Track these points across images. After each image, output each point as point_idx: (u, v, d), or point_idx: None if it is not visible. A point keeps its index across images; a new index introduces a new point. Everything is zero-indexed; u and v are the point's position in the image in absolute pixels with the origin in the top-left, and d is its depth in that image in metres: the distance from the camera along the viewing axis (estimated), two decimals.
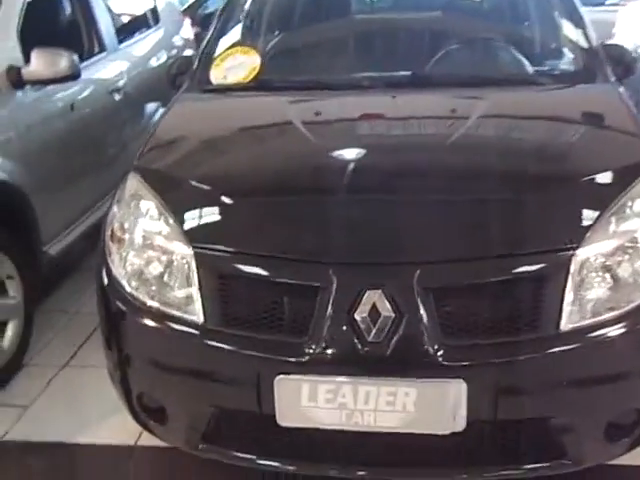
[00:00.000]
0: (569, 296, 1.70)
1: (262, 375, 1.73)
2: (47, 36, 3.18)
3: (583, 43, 2.67)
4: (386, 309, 1.67)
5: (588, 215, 1.81)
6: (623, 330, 1.73)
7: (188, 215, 1.92)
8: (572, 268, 1.71)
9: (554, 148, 2.13)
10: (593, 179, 1.94)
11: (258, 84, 2.64)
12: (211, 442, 1.89)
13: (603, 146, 2.13)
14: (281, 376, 1.70)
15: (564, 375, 1.72)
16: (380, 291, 1.68)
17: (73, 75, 3.05)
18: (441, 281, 1.71)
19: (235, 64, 2.74)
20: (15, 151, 2.85)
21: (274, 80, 2.65)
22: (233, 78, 2.71)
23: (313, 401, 1.71)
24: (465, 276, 1.72)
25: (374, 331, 1.67)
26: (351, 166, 2.06)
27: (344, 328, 1.68)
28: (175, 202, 1.96)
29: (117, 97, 3.72)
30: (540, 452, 1.79)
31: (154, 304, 1.85)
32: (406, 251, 1.76)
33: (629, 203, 1.84)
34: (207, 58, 2.79)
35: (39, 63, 2.96)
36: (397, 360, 1.67)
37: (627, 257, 1.77)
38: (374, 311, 1.68)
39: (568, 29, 2.74)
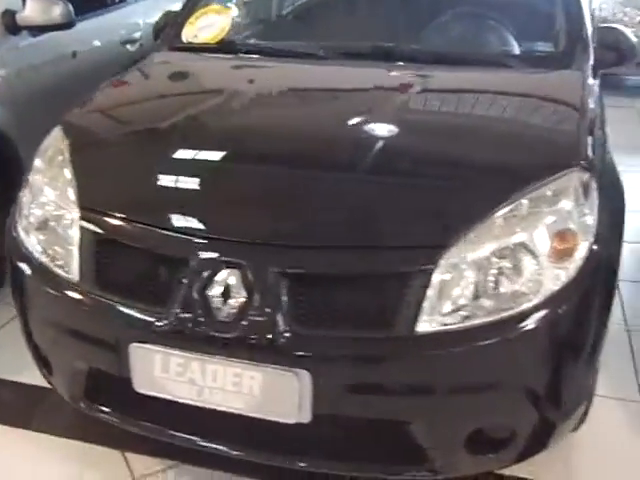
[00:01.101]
0: (429, 298, 1.59)
1: (120, 341, 1.74)
2: None
3: (569, 26, 2.45)
4: (238, 290, 1.63)
5: (471, 212, 1.66)
6: (489, 339, 1.60)
7: (88, 175, 1.93)
8: (438, 268, 1.60)
9: (466, 137, 1.97)
10: (492, 174, 1.81)
11: (223, 46, 2.60)
12: (91, 400, 1.93)
13: (521, 141, 1.95)
14: (136, 344, 1.71)
15: (418, 380, 1.63)
16: (236, 270, 1.64)
17: (66, 24, 3.12)
18: (297, 267, 1.63)
19: (207, 23, 2.71)
20: (4, 96, 2.96)
21: (237, 43, 2.61)
22: (203, 37, 2.68)
23: (165, 372, 1.70)
24: (323, 264, 1.63)
25: (224, 311, 1.63)
26: (244, 138, 2.00)
27: (196, 304, 1.65)
28: (81, 161, 1.97)
29: (131, 48, 3.78)
30: (393, 456, 1.71)
31: (44, 260, 1.88)
32: (266, 232, 1.69)
33: (524, 204, 1.68)
34: (184, 15, 2.77)
35: (33, 9, 3.04)
36: (244, 343, 1.63)
37: (504, 264, 1.63)
38: (227, 290, 1.64)
39: (555, 10, 2.52)
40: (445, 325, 1.60)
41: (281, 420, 1.67)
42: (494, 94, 2.22)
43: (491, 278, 1.63)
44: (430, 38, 2.49)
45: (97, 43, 3.53)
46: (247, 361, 1.64)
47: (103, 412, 1.90)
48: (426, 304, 1.59)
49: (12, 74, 2.98)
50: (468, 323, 1.60)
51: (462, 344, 1.60)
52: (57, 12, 3.04)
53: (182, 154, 1.96)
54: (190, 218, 1.74)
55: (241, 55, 2.53)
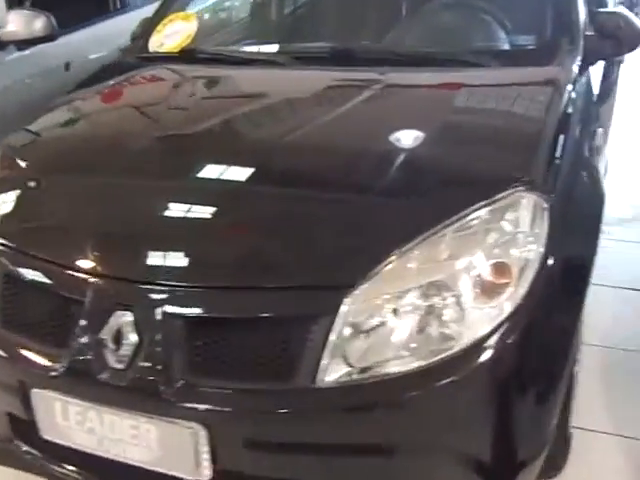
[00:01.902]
0: (332, 345, 1.40)
1: (24, 385, 1.62)
2: None
3: (555, 16, 2.17)
4: (131, 334, 1.48)
5: (384, 246, 1.46)
6: (404, 392, 1.40)
7: (2, 206, 1.82)
8: (342, 311, 1.40)
9: (395, 154, 1.74)
10: (415, 200, 1.58)
11: (185, 54, 2.45)
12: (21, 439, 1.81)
13: (458, 161, 1.69)
14: (36, 390, 1.59)
15: (322, 438, 1.44)
16: (129, 312, 1.50)
17: (49, 36, 3.06)
18: (190, 309, 1.47)
19: (173, 31, 2.57)
20: None
21: (197, 51, 2.44)
22: (167, 46, 2.54)
23: (66, 420, 1.58)
24: (216, 307, 1.47)
25: (116, 357, 1.50)
26: (145, 169, 1.84)
27: (89, 349, 1.52)
28: (1, 190, 1.87)
29: None
30: None
31: None
32: (162, 270, 1.54)
33: (448, 235, 1.46)
34: (154, 22, 2.65)
35: (14, 24, 3.00)
36: (136, 392, 1.49)
37: (422, 304, 1.42)
38: (120, 334, 1.50)
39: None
40: (351, 376, 1.40)
41: (181, 476, 1.52)
42: (446, 101, 1.97)
43: (406, 321, 1.42)
44: (396, 38, 2.25)
45: (93, 54, 3.47)
46: (141, 412, 1.50)
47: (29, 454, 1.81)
48: (328, 353, 1.39)
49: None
50: (379, 374, 1.40)
51: (372, 398, 1.41)
52: (39, 25, 3.00)
53: (84, 187, 1.83)
54: (86, 255, 1.60)
55: (198, 65, 2.38)
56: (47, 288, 1.62)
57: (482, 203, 1.50)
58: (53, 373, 1.55)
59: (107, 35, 3.59)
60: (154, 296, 1.49)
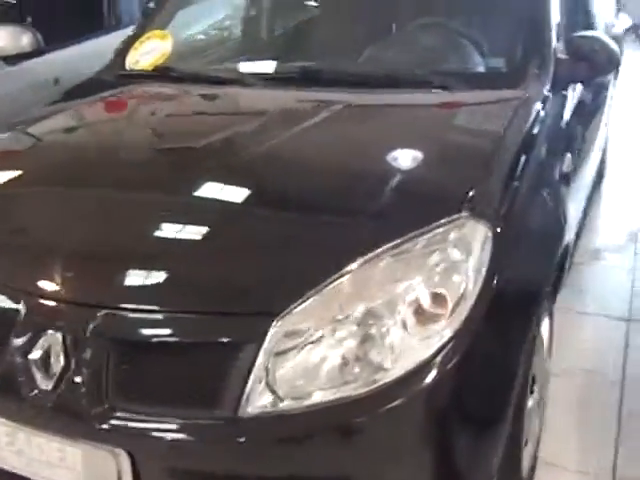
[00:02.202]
0: (257, 375, 1.35)
1: None
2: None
3: (525, 39, 2.13)
4: (59, 355, 1.46)
5: (314, 273, 1.41)
6: (333, 424, 1.36)
7: None
8: (267, 340, 1.36)
9: (337, 177, 1.70)
10: (351, 224, 1.54)
11: (158, 72, 2.44)
12: None
13: (408, 179, 1.67)
14: None
15: (242, 469, 1.39)
16: (57, 333, 1.47)
17: (36, 52, 3.09)
18: (119, 332, 1.44)
19: (149, 49, 2.57)
20: None
21: (169, 70, 2.43)
22: (142, 64, 2.54)
23: None
24: (141, 330, 1.44)
25: (44, 378, 1.46)
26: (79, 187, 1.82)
27: (19, 369, 1.48)
28: None
29: None
30: None
31: None
32: (90, 291, 1.51)
33: (382, 262, 1.41)
34: (132, 40, 2.65)
35: (2, 39, 3.03)
36: (61, 414, 1.45)
37: (351, 334, 1.38)
38: (47, 355, 1.47)
39: (513, 20, 2.20)
40: (276, 406, 1.36)
41: None
42: (400, 123, 1.94)
43: (337, 349, 1.37)
44: (366, 60, 2.22)
45: (83, 69, 3.49)
46: (66, 435, 1.47)
47: None
48: (252, 382, 1.35)
49: None
50: (308, 404, 1.36)
51: (299, 429, 1.36)
52: (25, 41, 3.03)
53: (27, 201, 1.81)
54: (20, 273, 1.58)
55: (171, 83, 2.37)
56: None
57: (424, 228, 1.46)
58: None
59: (98, 51, 3.60)
60: (82, 317, 1.46)
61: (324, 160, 1.76)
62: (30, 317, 1.50)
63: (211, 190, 1.71)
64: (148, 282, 1.51)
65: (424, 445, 1.41)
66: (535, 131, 1.86)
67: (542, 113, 1.93)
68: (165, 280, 1.49)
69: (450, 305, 1.40)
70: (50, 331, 1.47)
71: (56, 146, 2.13)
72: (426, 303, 1.40)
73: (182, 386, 1.39)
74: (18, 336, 1.49)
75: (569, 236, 1.92)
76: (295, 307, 1.37)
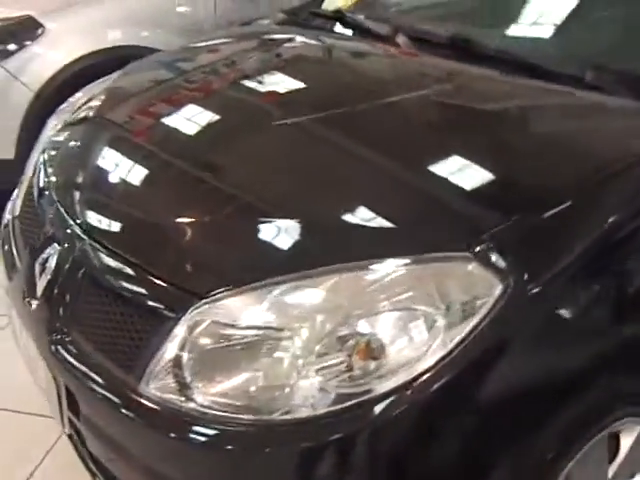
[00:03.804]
0: (168, 355, 1.22)
1: None
2: None
3: None
4: (51, 269, 1.50)
5: (255, 268, 1.24)
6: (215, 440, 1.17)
7: None
8: (187, 319, 1.22)
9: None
10: (318, 229, 1.30)
11: (342, 16, 2.25)
12: None
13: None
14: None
15: (130, 447, 1.30)
16: (57, 246, 1.51)
17: None
18: (87, 264, 1.43)
19: None
20: None
21: (355, 18, 2.17)
22: (338, 3, 2.37)
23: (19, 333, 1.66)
24: (104, 270, 1.40)
25: (39, 285, 1.52)
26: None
27: (30, 270, 1.56)
28: None
29: None
30: None
31: None
32: (89, 217, 1.53)
33: (331, 282, 1.16)
34: None
35: None
36: (34, 324, 1.52)
37: (259, 339, 1.17)
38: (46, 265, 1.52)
39: None
40: (177, 397, 1.21)
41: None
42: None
43: (259, 360, 1.18)
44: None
45: None
46: (37, 345, 1.51)
47: None
48: (161, 361, 1.23)
49: None
50: (207, 406, 1.19)
51: (181, 430, 1.20)
52: None
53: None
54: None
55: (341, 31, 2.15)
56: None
57: (404, 260, 1.17)
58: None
59: None
60: (75, 240, 1.48)
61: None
62: (49, 226, 1.58)
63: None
64: (122, 228, 1.48)
65: None
66: None
67: None
68: (137, 232, 1.46)
69: (379, 366, 1.12)
70: (55, 244, 1.53)
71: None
72: (358, 347, 1.12)
73: (114, 339, 1.33)
74: (38, 240, 1.60)
75: None
76: (223, 296, 1.21)
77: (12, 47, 3.17)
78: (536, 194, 1.30)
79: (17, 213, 1.79)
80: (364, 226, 1.28)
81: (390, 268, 1.17)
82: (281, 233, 1.31)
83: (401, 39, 1.93)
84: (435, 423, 1.13)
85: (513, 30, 1.91)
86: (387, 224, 1.28)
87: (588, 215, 1.27)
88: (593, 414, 1.30)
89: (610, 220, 1.27)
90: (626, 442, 1.43)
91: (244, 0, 3.39)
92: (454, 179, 1.37)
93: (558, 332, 1.20)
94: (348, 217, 1.31)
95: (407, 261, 1.18)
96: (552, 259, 1.20)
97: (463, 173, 1.38)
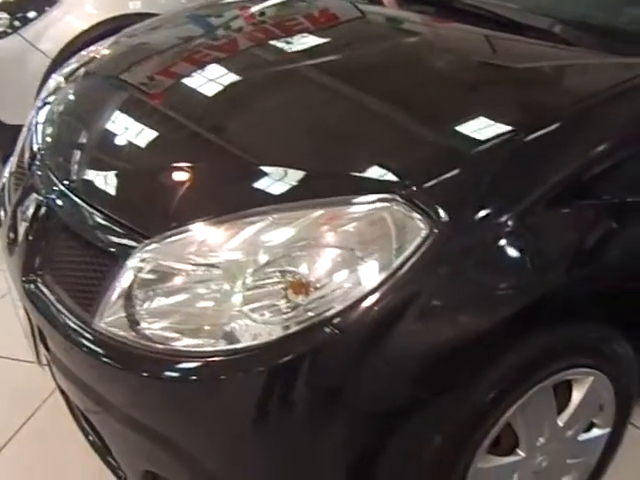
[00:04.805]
0: (118, 292, 1.28)
1: None
2: None
3: None
4: (29, 216, 1.57)
5: (200, 209, 1.30)
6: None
7: None
8: (134, 259, 1.28)
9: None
10: (256, 174, 1.34)
11: None
12: None
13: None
14: None
15: (85, 381, 1.37)
16: (37, 197, 1.58)
17: None
18: (58, 212, 1.49)
19: None
20: None
21: None
22: None
23: None
24: (69, 216, 1.47)
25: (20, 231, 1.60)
26: None
27: (12, 221, 1.65)
28: None
29: None
30: None
31: None
32: (64, 169, 1.59)
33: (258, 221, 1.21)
34: None
35: None
36: (14, 266, 1.58)
37: (198, 278, 1.23)
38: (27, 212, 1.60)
39: None
40: (127, 333, 1.26)
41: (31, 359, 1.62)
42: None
43: (186, 296, 1.24)
44: None
45: None
46: (16, 286, 1.60)
47: None
48: (114, 297, 1.29)
49: None
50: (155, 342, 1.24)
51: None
52: None
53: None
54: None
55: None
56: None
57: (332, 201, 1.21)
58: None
59: None
60: (51, 189, 1.55)
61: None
62: (30, 177, 1.66)
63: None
64: (90, 176, 1.54)
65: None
66: None
67: None
68: (101, 178, 1.51)
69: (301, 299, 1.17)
70: (34, 194, 1.61)
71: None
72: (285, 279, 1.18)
73: (77, 279, 1.41)
74: (21, 191, 1.68)
75: None
76: (170, 234, 1.27)
77: (32, 14, 3.27)
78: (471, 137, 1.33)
79: (13, 169, 1.88)
80: (296, 169, 1.32)
81: (320, 210, 1.21)
82: (219, 177, 1.39)
83: None
84: (367, 357, 1.17)
85: None
86: (317, 168, 1.33)
87: (521, 160, 1.30)
88: (534, 361, 1.32)
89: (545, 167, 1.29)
90: (578, 393, 1.44)
91: None
92: (392, 124, 1.43)
93: (490, 277, 1.23)
94: (288, 162, 1.35)
95: (337, 203, 1.22)
96: (482, 202, 1.23)
97: (400, 118, 1.42)
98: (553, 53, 1.58)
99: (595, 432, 1.55)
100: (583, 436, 1.53)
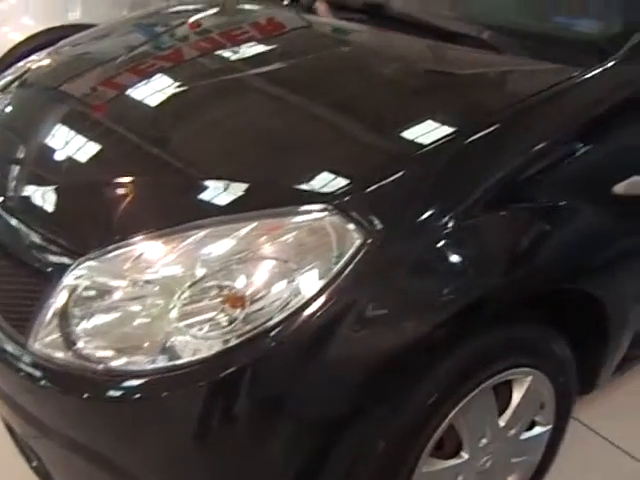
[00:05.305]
0: (53, 312, 1.25)
1: None
2: None
3: None
4: None
5: (129, 226, 1.29)
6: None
7: None
8: (68, 278, 1.25)
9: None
10: (190, 187, 1.35)
11: None
12: None
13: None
14: None
15: (21, 403, 1.34)
16: None
17: None
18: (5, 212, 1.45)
19: None
20: None
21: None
22: None
23: None
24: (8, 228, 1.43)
25: None
26: None
27: None
28: None
29: None
30: None
31: None
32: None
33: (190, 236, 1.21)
34: None
35: None
36: None
37: (131, 295, 1.21)
38: None
39: None
40: (64, 354, 1.23)
41: None
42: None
43: (123, 313, 1.22)
44: None
45: None
46: None
47: None
48: (48, 318, 1.26)
49: None
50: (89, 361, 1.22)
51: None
52: None
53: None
54: None
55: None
56: None
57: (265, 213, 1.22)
58: None
59: None
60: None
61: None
62: None
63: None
64: (26, 195, 1.51)
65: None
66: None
67: None
68: (37, 197, 1.48)
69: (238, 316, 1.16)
70: None
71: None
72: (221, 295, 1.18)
73: (14, 301, 1.37)
74: None
75: None
76: (105, 253, 1.25)
77: None
78: (400, 146, 1.36)
79: None
80: (237, 181, 1.32)
81: (257, 222, 1.21)
82: (159, 191, 1.37)
83: (320, 6, 1.96)
84: (308, 366, 1.17)
85: None
86: (258, 180, 1.32)
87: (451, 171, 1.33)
88: (474, 363, 1.34)
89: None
90: (517, 393, 1.47)
91: None
92: (332, 133, 1.44)
93: (427, 282, 1.25)
94: (229, 174, 1.35)
95: (274, 214, 1.22)
96: (421, 206, 1.25)
97: (334, 129, 1.44)
98: (483, 60, 1.62)
99: (537, 430, 1.58)
100: (525, 435, 1.56)
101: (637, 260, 1.50)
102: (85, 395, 1.22)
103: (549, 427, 1.60)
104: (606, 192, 1.42)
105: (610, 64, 1.47)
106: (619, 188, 1.42)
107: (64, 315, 1.25)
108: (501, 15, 1.78)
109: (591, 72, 1.46)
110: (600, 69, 1.46)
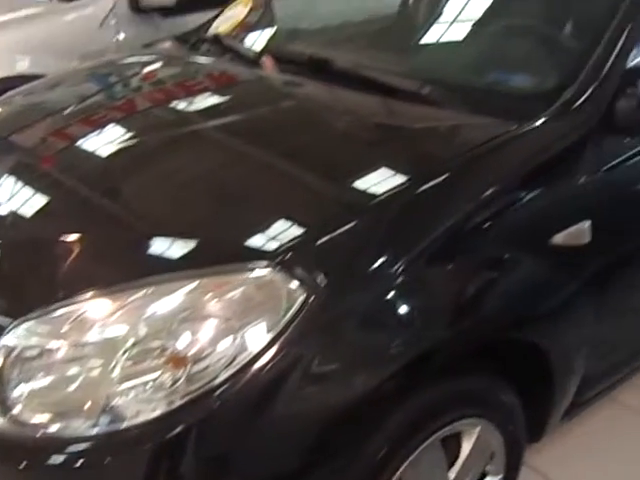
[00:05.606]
0: None
1: None
2: None
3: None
4: None
5: (62, 287, 1.29)
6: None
7: None
8: (3, 340, 1.22)
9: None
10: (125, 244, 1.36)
11: (220, 40, 2.31)
12: None
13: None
14: None
15: None
16: None
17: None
18: None
19: (230, 15, 2.45)
20: None
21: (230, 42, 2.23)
22: (219, 29, 2.43)
23: None
24: None
25: None
26: None
27: None
28: None
29: None
30: None
31: None
32: None
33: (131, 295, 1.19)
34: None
35: None
36: None
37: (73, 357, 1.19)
38: None
39: None
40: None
41: None
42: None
43: (62, 375, 1.19)
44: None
45: None
46: None
47: None
48: None
49: None
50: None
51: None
52: None
53: None
54: None
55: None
56: None
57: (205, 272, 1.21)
58: None
59: None
60: None
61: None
62: None
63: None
64: None
65: None
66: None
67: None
68: None
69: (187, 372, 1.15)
70: None
71: None
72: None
73: None
74: None
75: None
76: (42, 314, 1.23)
77: None
78: (343, 203, 1.37)
79: None
80: (185, 237, 1.32)
81: (198, 280, 1.20)
82: (105, 247, 1.36)
83: (266, 61, 1.99)
84: (255, 423, 1.16)
85: (365, 52, 2.00)
86: (206, 236, 1.32)
87: (396, 226, 1.34)
88: (421, 416, 1.34)
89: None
90: (467, 444, 1.47)
91: (147, 26, 3.42)
92: (282, 187, 1.45)
93: (372, 336, 1.25)
94: (177, 230, 1.35)
95: (220, 271, 1.22)
96: (367, 259, 1.25)
97: (275, 184, 1.45)
98: (426, 114, 1.66)
99: None
100: None
101: (578, 309, 1.53)
102: (23, 464, 1.17)
103: (500, 477, 1.60)
104: (545, 243, 1.46)
105: (545, 118, 1.52)
106: (558, 239, 1.46)
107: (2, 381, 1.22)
108: (441, 71, 1.83)
109: (528, 126, 1.51)
110: (536, 123, 1.52)
